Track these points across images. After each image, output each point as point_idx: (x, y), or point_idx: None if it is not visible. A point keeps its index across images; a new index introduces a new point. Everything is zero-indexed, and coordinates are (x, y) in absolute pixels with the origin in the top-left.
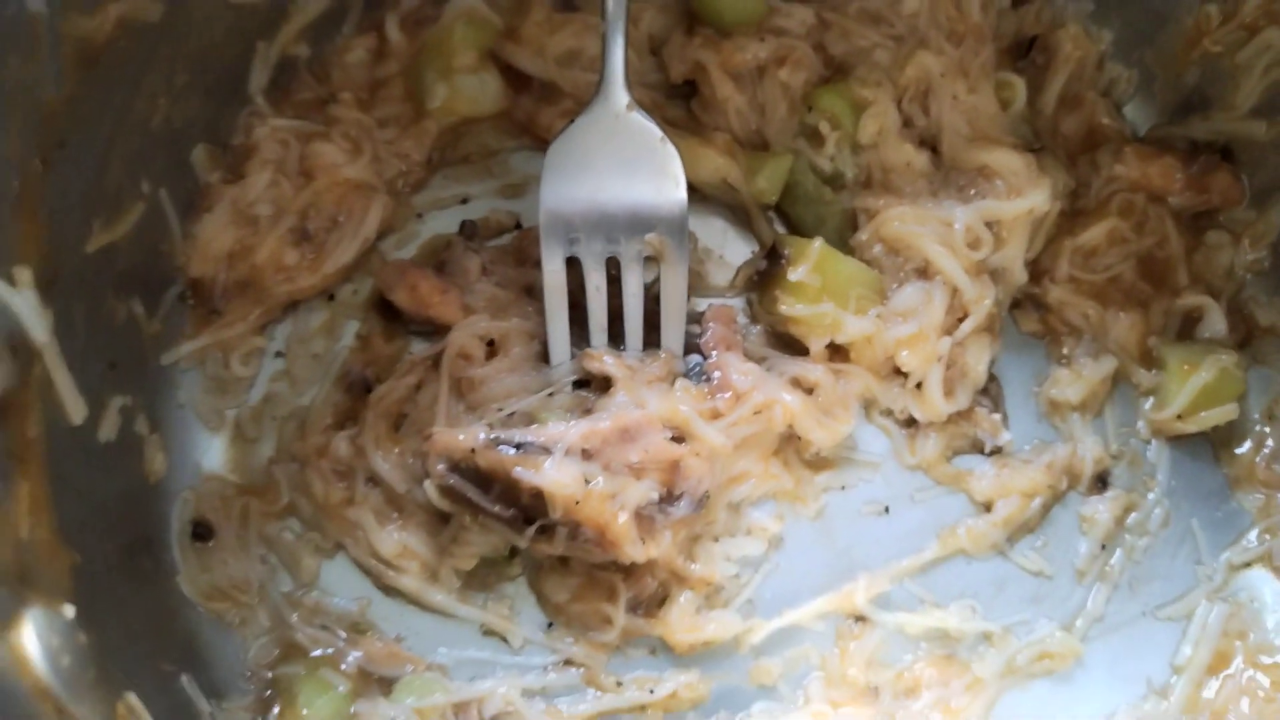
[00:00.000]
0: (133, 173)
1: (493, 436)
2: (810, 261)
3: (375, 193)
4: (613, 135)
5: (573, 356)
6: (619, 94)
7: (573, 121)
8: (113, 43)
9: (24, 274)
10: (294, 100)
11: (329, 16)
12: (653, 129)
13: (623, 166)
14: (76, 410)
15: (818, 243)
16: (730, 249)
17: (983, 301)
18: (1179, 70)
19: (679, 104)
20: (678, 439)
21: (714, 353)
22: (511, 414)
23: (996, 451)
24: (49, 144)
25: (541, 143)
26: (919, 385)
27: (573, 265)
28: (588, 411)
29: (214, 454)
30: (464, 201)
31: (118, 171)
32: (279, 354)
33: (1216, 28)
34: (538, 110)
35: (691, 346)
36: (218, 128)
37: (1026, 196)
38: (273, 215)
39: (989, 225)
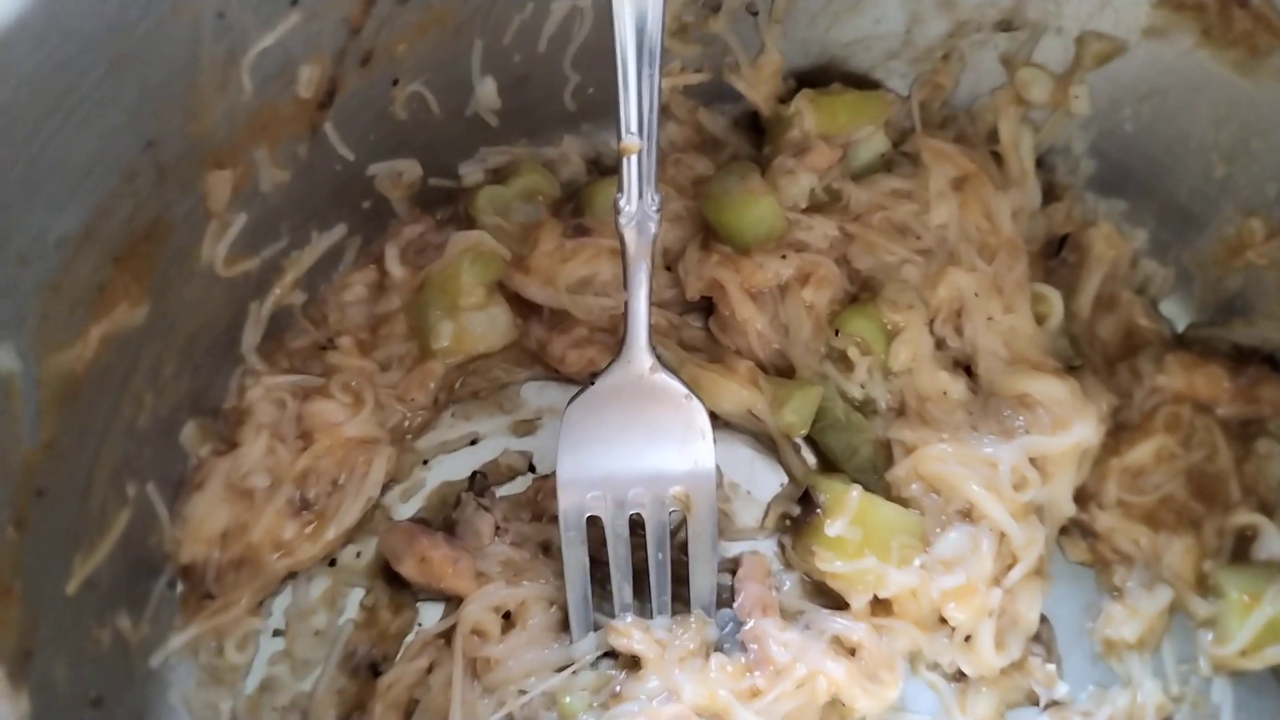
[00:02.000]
0: (118, 482)
1: None
2: (849, 513)
3: (378, 445)
4: (635, 397)
5: (597, 625)
6: (643, 358)
7: (593, 382)
8: (94, 365)
9: None
10: (289, 349)
11: (325, 259)
12: (677, 388)
13: (645, 428)
14: None
15: (856, 491)
16: (758, 482)
17: (1033, 546)
18: (1220, 275)
19: (696, 320)
20: None
21: (750, 620)
22: (532, 698)
23: (1053, 705)
24: (24, 501)
25: (553, 372)
26: (968, 638)
27: (593, 522)
28: (614, 695)
29: None
30: (473, 442)
31: (101, 489)
32: (277, 632)
33: (1261, 242)
34: (549, 339)
35: (723, 598)
36: (206, 397)
37: (1073, 429)
38: (269, 486)
39: (1034, 461)
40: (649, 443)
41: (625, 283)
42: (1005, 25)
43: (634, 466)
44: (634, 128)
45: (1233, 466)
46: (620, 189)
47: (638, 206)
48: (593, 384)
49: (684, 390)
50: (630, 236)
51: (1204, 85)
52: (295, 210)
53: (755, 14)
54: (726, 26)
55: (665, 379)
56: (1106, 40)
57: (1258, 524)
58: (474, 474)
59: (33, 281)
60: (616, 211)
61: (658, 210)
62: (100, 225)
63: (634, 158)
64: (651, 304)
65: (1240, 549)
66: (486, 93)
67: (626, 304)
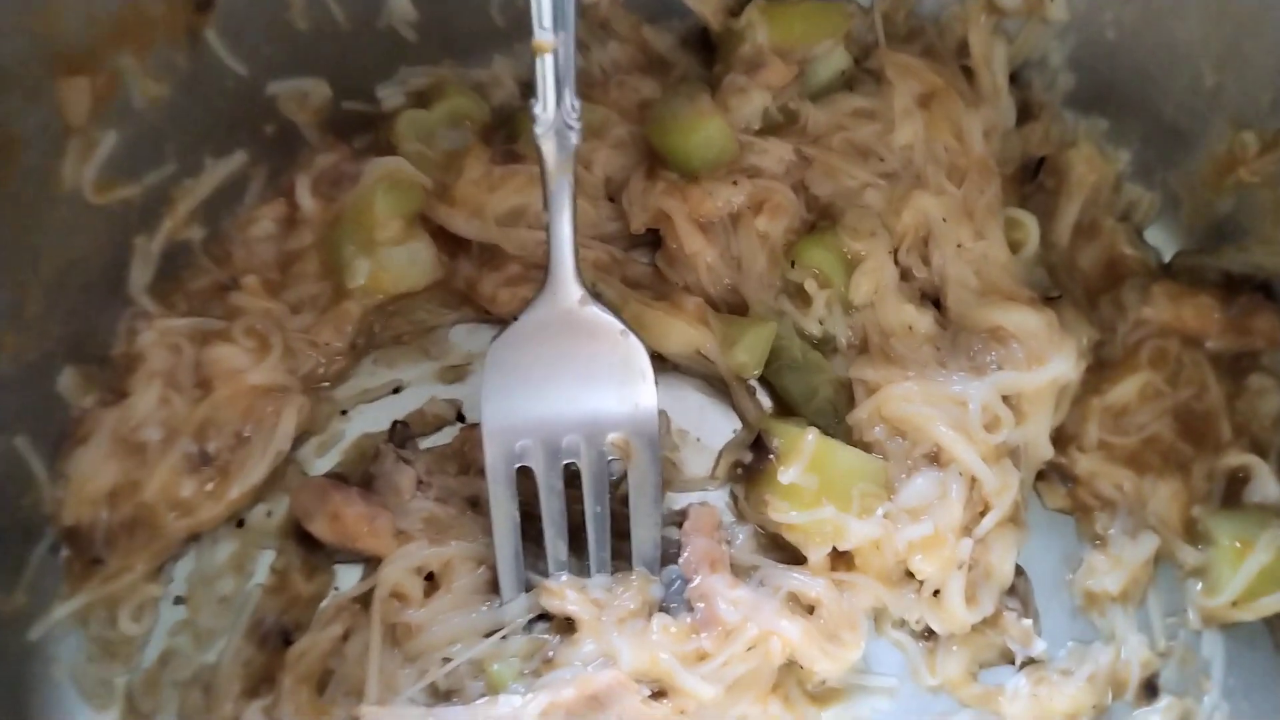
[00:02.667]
0: None
1: (432, 717)
2: (804, 458)
3: (288, 394)
4: (564, 333)
5: (529, 585)
6: (570, 287)
7: (517, 319)
8: None
9: None
10: (187, 290)
11: (227, 189)
12: (612, 322)
13: (578, 367)
14: None
15: (811, 435)
16: (709, 429)
17: (1006, 492)
18: (1209, 197)
19: (642, 256)
20: (658, 693)
21: (697, 576)
22: (457, 666)
23: (1030, 663)
24: None
25: (484, 314)
26: (936, 593)
27: (526, 473)
28: (548, 662)
29: None
30: (396, 390)
31: None
32: (179, 600)
33: (1254, 157)
34: (479, 277)
35: (670, 554)
36: (89, 342)
37: (1049, 364)
38: (164, 439)
39: (1007, 399)
40: (583, 384)
41: (545, 203)
42: None
43: (567, 411)
44: (547, 22)
45: (1223, 404)
46: (534, 94)
47: (555, 114)
48: (517, 320)
49: (619, 325)
50: (548, 148)
51: None
52: (181, 131)
53: None
54: None
55: (597, 312)
56: None
57: (1250, 465)
58: (394, 424)
59: None
60: (531, 120)
61: (578, 117)
62: None
63: (548, 57)
64: (577, 228)
65: (1232, 492)
66: (399, 2)
67: (548, 228)
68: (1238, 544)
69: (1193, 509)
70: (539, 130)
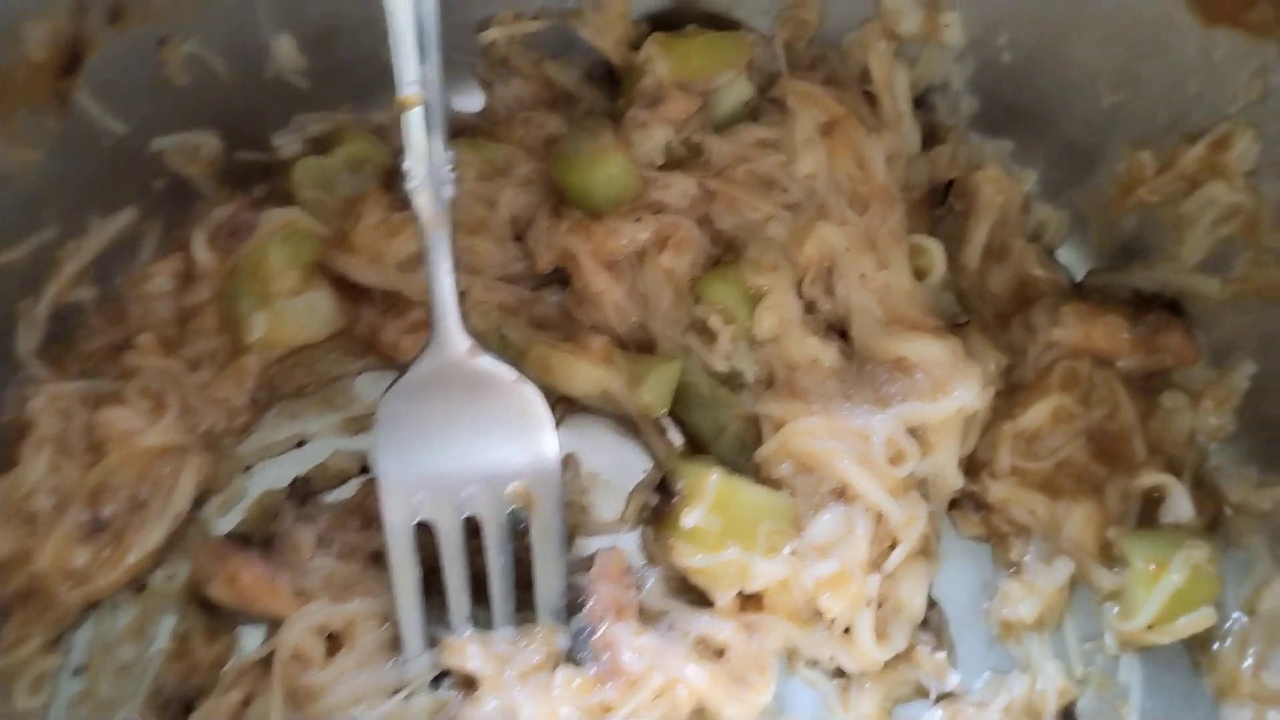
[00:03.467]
0: None
1: None
2: (708, 500)
3: (187, 453)
4: (456, 385)
5: (434, 640)
6: (455, 339)
7: (404, 374)
8: None
9: None
10: (79, 351)
11: (118, 247)
12: (504, 371)
13: (472, 418)
14: None
15: (715, 475)
16: (620, 471)
17: (914, 525)
18: (1114, 216)
19: (550, 294)
20: None
21: (602, 624)
22: None
23: (945, 697)
24: None
25: (389, 362)
26: (846, 630)
27: (428, 526)
28: None
29: None
30: (300, 444)
31: None
32: (78, 671)
33: (1152, 176)
34: (382, 325)
35: (578, 601)
36: None
37: (953, 394)
38: (55, 507)
39: (913, 431)
40: (479, 435)
41: (422, 256)
42: None
43: (464, 463)
44: (412, 75)
45: (1137, 423)
46: (404, 152)
47: (427, 167)
48: (405, 374)
49: (512, 374)
50: (422, 203)
51: (1084, 2)
52: (60, 193)
53: None
54: None
55: (489, 363)
56: None
57: (1165, 484)
58: (294, 480)
59: None
60: (401, 177)
61: (452, 169)
62: None
63: (415, 112)
64: (457, 278)
65: (1147, 513)
66: (285, 51)
67: (428, 281)
68: (1152, 565)
69: (1108, 531)
70: (410, 185)
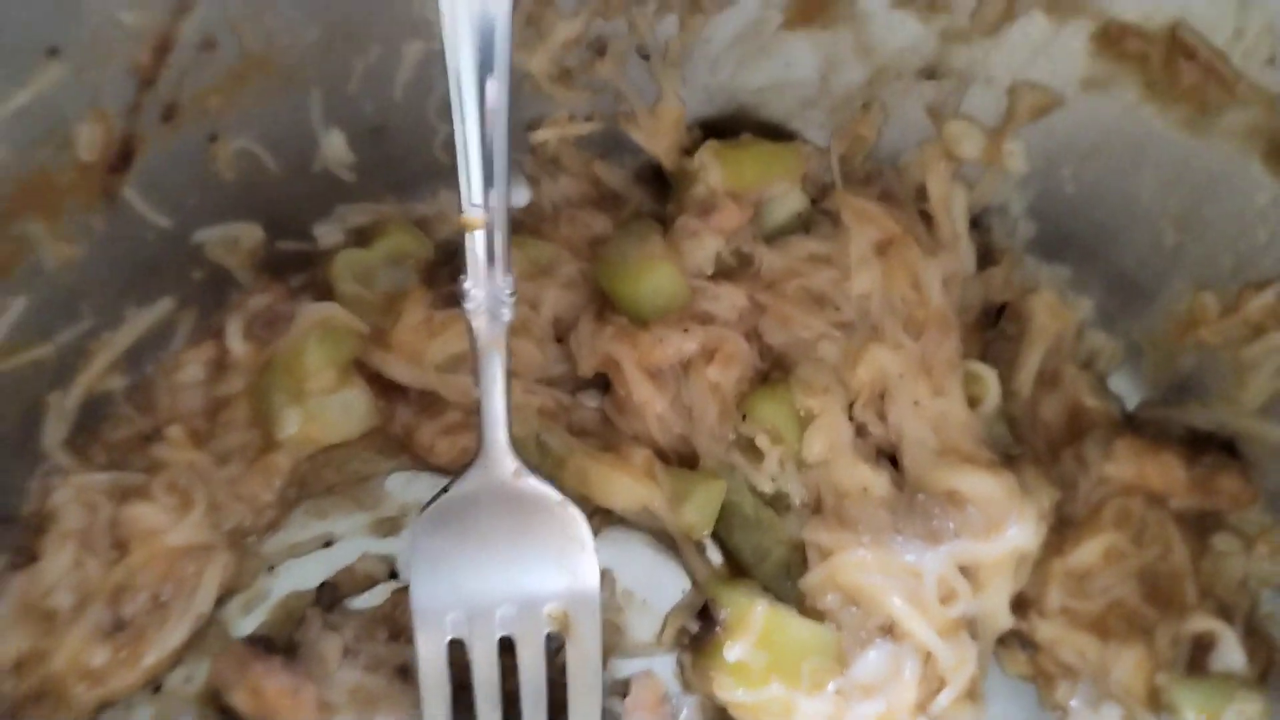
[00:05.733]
0: None
1: None
2: (753, 633)
3: (211, 552)
4: (497, 505)
5: None
6: (504, 460)
7: (446, 490)
8: None
9: None
10: (106, 441)
11: (151, 336)
12: (548, 494)
13: (512, 539)
14: None
15: (761, 607)
16: (656, 589)
17: (963, 668)
18: (1171, 352)
19: (591, 397)
20: None
21: None
22: None
23: None
24: None
25: (422, 462)
26: None
27: (459, 642)
28: None
29: None
30: (328, 544)
31: None
32: None
33: (1215, 319)
34: (417, 425)
35: None
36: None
37: (1007, 533)
38: (75, 605)
39: (965, 569)
40: (518, 557)
41: (475, 378)
42: (930, 73)
43: (501, 585)
44: (477, 198)
45: (1189, 565)
46: (464, 271)
47: (487, 290)
48: (445, 493)
49: (557, 496)
50: (479, 325)
51: (1150, 144)
52: (99, 288)
53: (647, 58)
54: (615, 71)
55: (534, 484)
56: (1041, 92)
57: (1215, 631)
58: (322, 585)
59: None
60: (461, 297)
61: (511, 294)
62: None
63: (478, 234)
64: (510, 401)
65: (1197, 659)
66: (334, 146)
67: (479, 402)
68: (1203, 717)
69: (1157, 676)
70: (469, 307)
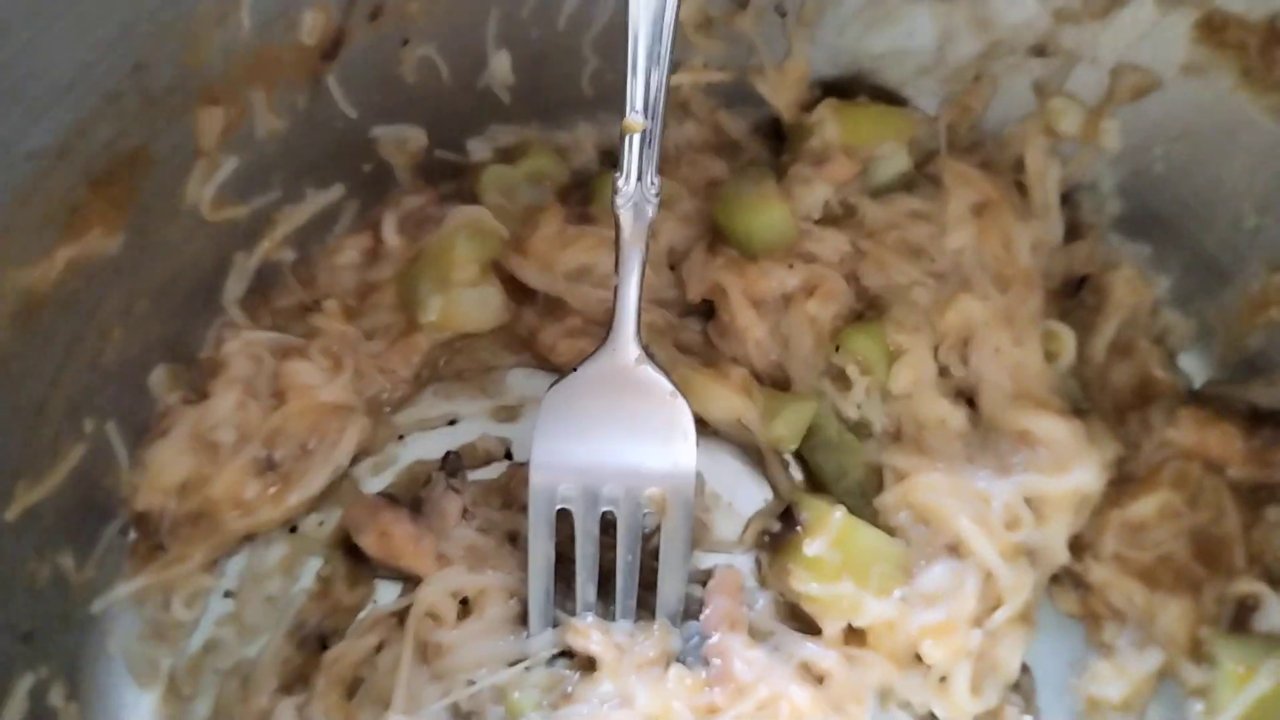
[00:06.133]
0: (74, 415)
1: None
2: (830, 534)
3: (353, 414)
4: (617, 388)
5: (556, 622)
6: (629, 347)
7: (575, 369)
8: (60, 288)
9: None
10: (273, 307)
11: (321, 218)
12: (663, 383)
13: (627, 421)
14: None
15: (839, 513)
16: (740, 496)
17: (1020, 590)
18: (1242, 331)
19: (695, 324)
20: None
21: (715, 634)
22: (481, 689)
23: None
24: None
25: (542, 360)
26: (943, 679)
27: (564, 514)
28: (566, 696)
29: (142, 714)
30: (452, 423)
31: (55, 419)
32: (228, 594)
33: None
34: (541, 326)
35: (691, 610)
36: (182, 344)
37: (1072, 472)
38: (236, 442)
39: (1029, 501)
40: (628, 438)
41: (616, 267)
42: (1039, 50)
43: (611, 460)
44: (639, 106)
45: (1240, 531)
46: (619, 168)
47: (635, 188)
48: (575, 370)
49: (669, 387)
50: (626, 219)
51: (1240, 129)
52: (291, 162)
53: (784, 15)
54: (753, 26)
55: (651, 372)
56: (1142, 74)
57: (1260, 594)
58: (448, 454)
59: None
60: (614, 191)
61: (656, 194)
62: (78, 144)
63: (635, 137)
64: (642, 293)
65: (1240, 618)
66: (501, 66)
67: (616, 289)
68: (1241, 669)
69: (1200, 629)
70: (619, 201)
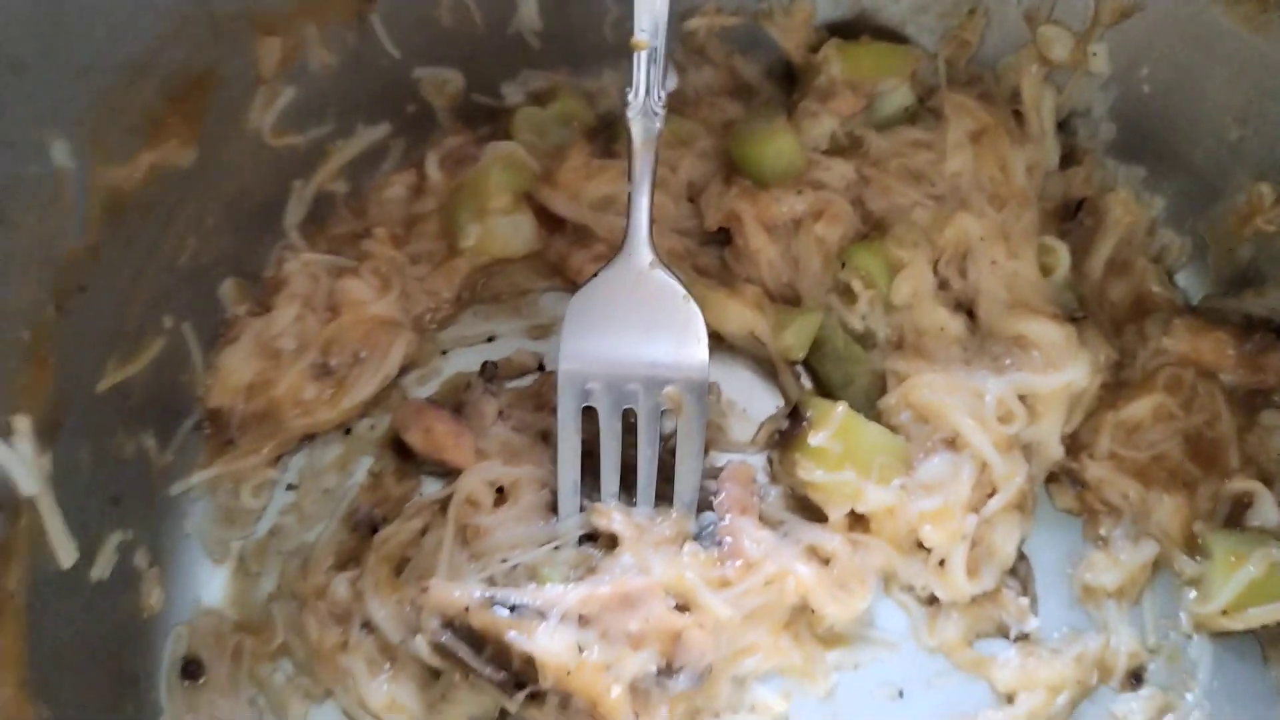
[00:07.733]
0: (155, 310)
1: (488, 595)
2: (833, 426)
3: (400, 329)
4: (635, 291)
5: (583, 509)
6: (643, 251)
7: (596, 275)
8: (143, 190)
9: (22, 423)
10: (328, 234)
11: (370, 154)
12: (675, 287)
13: (644, 322)
14: (67, 555)
15: (841, 407)
16: (754, 403)
17: (1013, 479)
18: (1232, 244)
19: (713, 251)
20: (682, 608)
21: (728, 516)
22: (514, 566)
23: (1023, 638)
24: (67, 290)
25: (572, 285)
26: (942, 562)
27: (590, 415)
28: (591, 570)
29: (214, 588)
30: (490, 340)
31: (139, 309)
32: (290, 487)
33: (1269, 207)
34: (570, 253)
35: (706, 503)
36: (248, 261)
37: (1063, 370)
38: (296, 349)
39: (1023, 399)
40: (646, 339)
41: (629, 174)
42: None
43: (630, 359)
44: (645, 25)
45: (1234, 434)
46: (629, 83)
47: (644, 100)
48: (596, 275)
49: (682, 291)
50: (636, 129)
51: (1217, 42)
52: (342, 97)
53: None
54: None
55: (664, 277)
56: None
57: (1254, 491)
58: (485, 363)
59: (90, 94)
60: (624, 104)
61: (663, 105)
62: (155, 62)
63: (644, 54)
64: (653, 200)
65: (1234, 515)
66: (528, 10)
67: (629, 196)
68: (1233, 557)
69: (1194, 524)
70: (630, 113)
